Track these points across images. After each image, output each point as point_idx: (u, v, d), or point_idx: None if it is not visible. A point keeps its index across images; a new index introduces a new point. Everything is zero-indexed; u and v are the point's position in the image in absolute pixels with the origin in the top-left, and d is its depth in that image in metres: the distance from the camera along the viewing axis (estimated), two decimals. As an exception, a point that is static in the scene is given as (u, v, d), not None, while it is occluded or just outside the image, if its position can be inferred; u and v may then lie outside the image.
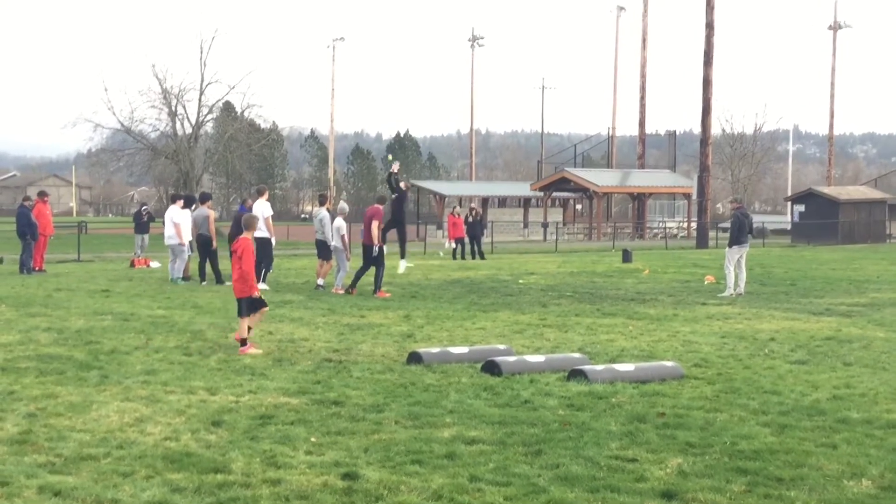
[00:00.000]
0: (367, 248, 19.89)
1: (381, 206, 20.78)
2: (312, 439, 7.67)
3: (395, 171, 22.02)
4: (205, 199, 23.52)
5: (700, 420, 8.50)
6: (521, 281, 23.75)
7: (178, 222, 22.26)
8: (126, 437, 7.69)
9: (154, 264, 27.53)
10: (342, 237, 20.68)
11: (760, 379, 10.55)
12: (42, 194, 26.61)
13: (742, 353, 12.44)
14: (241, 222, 22.91)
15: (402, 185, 21.86)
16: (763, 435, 8.00)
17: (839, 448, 7.61)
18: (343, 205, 22.44)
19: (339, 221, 20.96)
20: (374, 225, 19.74)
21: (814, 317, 16.53)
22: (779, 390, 9.91)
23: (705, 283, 23.49)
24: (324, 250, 21.01)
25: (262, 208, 21.06)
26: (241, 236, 12.70)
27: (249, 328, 12.24)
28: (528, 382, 10.03)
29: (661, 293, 20.71)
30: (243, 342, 12.04)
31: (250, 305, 12.20)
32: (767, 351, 12.61)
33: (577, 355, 11.53)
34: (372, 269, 19.92)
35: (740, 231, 21.00)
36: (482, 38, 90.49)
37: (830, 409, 8.98)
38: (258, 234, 20.87)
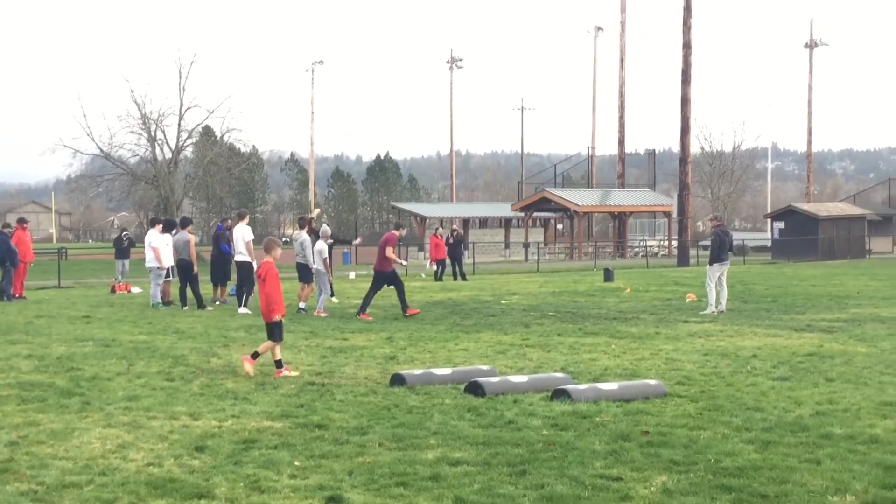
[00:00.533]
0: (379, 273, 19.92)
1: (396, 233, 21.12)
2: (296, 463, 7.64)
3: (315, 216, 24.01)
4: (185, 223, 23.53)
5: (684, 438, 8.50)
6: (503, 301, 23.76)
7: (157, 246, 22.20)
8: (108, 463, 7.64)
9: (135, 290, 27.43)
10: (324, 260, 20.74)
11: (743, 396, 10.58)
12: (22, 221, 26.56)
13: (725, 370, 12.46)
14: (218, 241, 23.10)
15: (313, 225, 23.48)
16: (747, 452, 8.02)
17: (823, 464, 7.63)
18: (325, 228, 22.52)
19: (321, 244, 21.02)
20: (389, 250, 19.83)
21: (795, 333, 16.60)
22: (762, 407, 9.93)
23: (687, 301, 23.56)
24: (305, 273, 21.02)
25: (242, 232, 21.11)
26: (264, 260, 12.68)
27: (285, 364, 12.18)
28: (511, 403, 10.02)
29: (642, 311, 20.76)
30: (278, 364, 12.01)
31: (279, 329, 12.18)
32: (750, 368, 12.63)
33: (560, 375, 11.53)
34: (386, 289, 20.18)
35: (721, 249, 21.09)
36: (461, 59, 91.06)
37: (813, 425, 9.00)
38: (239, 258, 20.99)
